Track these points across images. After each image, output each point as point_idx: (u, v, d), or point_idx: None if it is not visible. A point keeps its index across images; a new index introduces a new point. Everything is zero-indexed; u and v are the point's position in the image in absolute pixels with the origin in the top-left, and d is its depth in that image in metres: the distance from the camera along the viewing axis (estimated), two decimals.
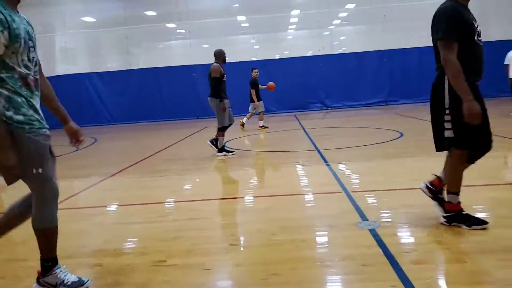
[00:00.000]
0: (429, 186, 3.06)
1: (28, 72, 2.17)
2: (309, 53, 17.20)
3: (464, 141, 2.75)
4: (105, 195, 4.98)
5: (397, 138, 7.60)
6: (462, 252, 2.60)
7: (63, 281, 2.28)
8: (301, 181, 5.01)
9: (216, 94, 6.59)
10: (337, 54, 17.00)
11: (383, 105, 16.20)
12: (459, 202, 2.90)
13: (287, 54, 17.45)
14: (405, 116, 11.94)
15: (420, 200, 3.39)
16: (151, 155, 7.59)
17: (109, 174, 5.94)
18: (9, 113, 2.08)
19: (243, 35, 17.99)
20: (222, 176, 5.88)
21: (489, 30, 15.95)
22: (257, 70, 11.59)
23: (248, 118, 11.27)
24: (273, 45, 18.02)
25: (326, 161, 5.81)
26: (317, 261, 2.60)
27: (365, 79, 16.56)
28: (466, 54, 2.71)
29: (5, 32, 2.03)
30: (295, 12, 17.83)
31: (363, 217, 3.27)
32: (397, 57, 16.31)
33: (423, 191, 3.08)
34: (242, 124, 11.00)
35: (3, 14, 2.04)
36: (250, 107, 11.24)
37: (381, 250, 2.62)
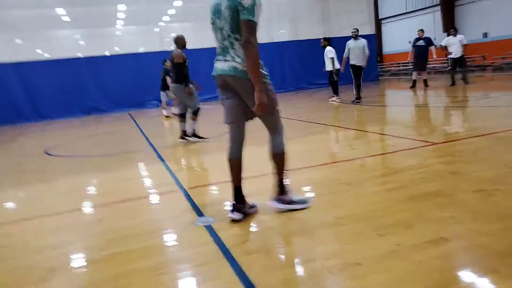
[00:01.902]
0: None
1: None
2: (141, 50, 16.56)
3: None
4: None
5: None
6: (290, 233, 2.77)
7: (295, 199, 3.05)
8: (136, 184, 4.68)
9: (181, 79, 6.46)
10: (167, 51, 16.76)
11: (216, 101, 16.71)
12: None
13: (117, 50, 16.42)
14: None
15: (255, 188, 3.52)
16: None
17: None
18: None
19: (64, 29, 16.14)
20: (45, 188, 5.07)
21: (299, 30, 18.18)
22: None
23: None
24: (101, 41, 16.70)
25: (162, 159, 5.61)
26: (151, 270, 2.41)
27: (198, 76, 16.78)
28: None
29: None
30: (122, 7, 16.87)
31: (200, 214, 3.21)
32: None
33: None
34: (166, 116, 11.95)
35: None
36: (162, 96, 12.09)
37: (217, 246, 2.58)
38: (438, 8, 19.99)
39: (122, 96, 15.95)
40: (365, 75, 19.43)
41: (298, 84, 17.88)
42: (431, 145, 4.91)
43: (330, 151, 5.52)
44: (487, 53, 18.64)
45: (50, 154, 7.17)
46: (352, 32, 10.65)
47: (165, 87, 11.70)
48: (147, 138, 7.93)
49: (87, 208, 3.87)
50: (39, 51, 15.78)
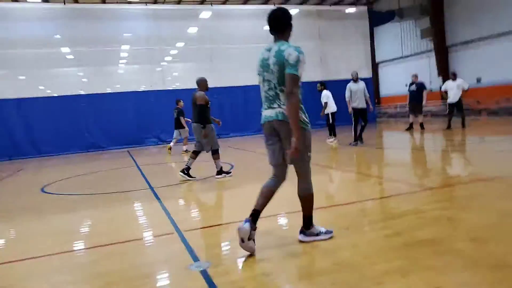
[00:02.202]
0: None
1: None
2: (142, 88, 16.88)
3: None
4: None
5: (229, 170, 7.90)
6: (287, 281, 2.73)
7: (320, 231, 3.39)
8: (131, 225, 4.64)
9: (201, 120, 6.66)
10: (169, 90, 17.12)
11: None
12: None
13: (118, 88, 16.72)
14: (236, 148, 12.64)
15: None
16: None
17: None
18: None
19: (68, 67, 16.49)
20: (38, 228, 5.01)
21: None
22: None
23: (174, 144, 12.65)
24: (103, 79, 17.00)
25: (159, 200, 5.59)
26: None
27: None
28: None
29: None
30: (125, 47, 17.37)
31: (195, 258, 3.17)
32: (224, 94, 17.39)
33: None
34: (169, 148, 12.54)
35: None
36: (175, 133, 12.53)
37: None
38: (433, 53, 20.62)
39: (121, 134, 16.07)
40: None
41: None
42: (428, 189, 4.93)
43: (328, 194, 5.53)
44: (481, 97, 19.03)
45: (46, 192, 7.15)
46: (352, 75, 10.84)
47: (178, 126, 12.26)
48: (145, 177, 7.94)
49: (79, 249, 3.82)
50: (41, 87, 16.05)
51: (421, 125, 12.97)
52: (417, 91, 12.82)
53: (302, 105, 3.17)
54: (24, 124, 15.03)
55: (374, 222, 3.84)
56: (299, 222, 3.43)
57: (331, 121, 11.56)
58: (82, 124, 15.72)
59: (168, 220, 4.47)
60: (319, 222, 3.99)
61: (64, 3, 15.50)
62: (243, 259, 3.09)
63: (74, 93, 15.82)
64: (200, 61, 17.79)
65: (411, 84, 13.06)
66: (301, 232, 3.39)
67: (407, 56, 23.87)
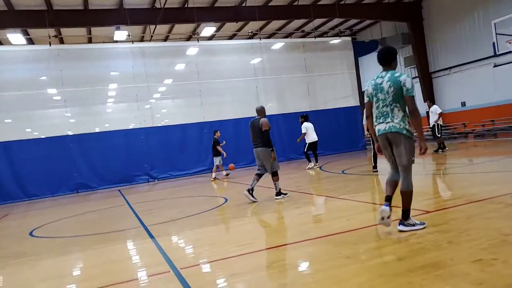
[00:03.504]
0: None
1: None
2: (131, 126, 16.82)
3: None
4: None
5: (222, 204, 7.80)
6: None
7: (416, 222, 4.13)
8: (125, 266, 4.48)
9: (269, 144, 7.22)
10: (159, 126, 17.10)
11: (208, 173, 16.77)
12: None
13: (107, 127, 16.64)
14: (229, 181, 12.54)
15: (249, 266, 3.40)
16: None
17: None
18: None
19: (55, 108, 16.39)
20: (27, 273, 4.81)
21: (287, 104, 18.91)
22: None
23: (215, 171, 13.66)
24: (91, 119, 16.88)
25: (153, 237, 5.45)
26: None
27: (188, 149, 17.07)
28: None
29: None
30: (113, 85, 17.45)
31: None
32: (215, 128, 17.46)
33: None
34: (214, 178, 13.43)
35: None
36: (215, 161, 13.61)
37: None
38: (417, 80, 21.13)
39: (111, 172, 15.86)
40: (353, 144, 19.89)
41: (288, 154, 18.15)
42: (425, 213, 4.90)
43: (327, 223, 5.45)
44: (467, 120, 19.42)
45: (35, 236, 6.93)
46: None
47: (216, 154, 13.52)
48: (137, 215, 7.77)
49: None
50: (28, 130, 15.87)
51: None
52: None
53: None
54: (11, 167, 14.76)
55: (375, 248, 3.78)
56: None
57: (306, 149, 13.07)
58: (71, 164, 15.49)
59: (163, 259, 4.33)
60: (319, 252, 3.91)
61: (50, 45, 15.62)
62: None
63: (61, 134, 15.66)
64: (189, 96, 17.91)
65: None
66: (400, 223, 4.15)
67: None
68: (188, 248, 4.93)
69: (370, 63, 26.55)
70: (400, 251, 3.54)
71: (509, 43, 13.61)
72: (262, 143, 7.27)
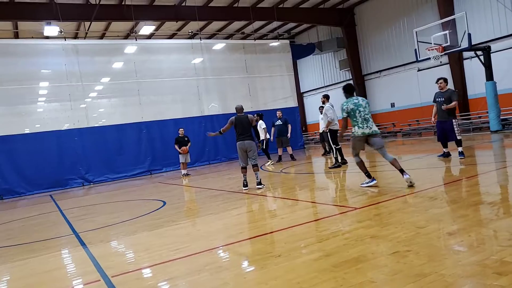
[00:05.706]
0: None
1: None
2: (65, 127, 15.95)
3: None
4: None
5: (160, 208, 7.68)
6: None
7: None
8: (54, 276, 4.27)
9: (257, 137, 8.28)
10: (95, 127, 16.40)
11: (147, 175, 16.37)
12: None
13: (38, 128, 15.63)
14: (168, 184, 12.35)
15: (183, 270, 3.41)
16: None
17: None
18: None
19: None
20: None
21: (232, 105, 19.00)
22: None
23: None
24: (20, 119, 15.76)
25: (84, 245, 5.25)
26: None
27: (126, 151, 16.54)
28: None
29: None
30: (44, 84, 16.45)
31: None
32: (155, 128, 17.05)
33: None
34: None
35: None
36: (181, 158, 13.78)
37: None
38: (351, 81, 22.21)
39: (41, 177, 14.93)
40: (292, 144, 20.47)
41: (230, 154, 18.24)
42: (352, 210, 5.20)
43: (262, 222, 5.58)
44: (396, 120, 20.75)
45: None
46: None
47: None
48: (69, 222, 7.42)
49: None
50: None
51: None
52: (284, 124, 13.96)
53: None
54: None
55: (304, 246, 3.95)
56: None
57: (264, 146, 13.63)
58: None
59: (94, 267, 4.20)
60: (252, 252, 4.01)
61: None
62: None
63: None
64: (127, 96, 17.38)
65: (278, 119, 14.07)
66: (403, 172, 6.32)
67: (328, 86, 25.45)
68: (121, 255, 4.82)
69: (309, 65, 27.44)
70: (328, 247, 3.74)
71: (429, 50, 14.75)
72: (250, 137, 8.26)
